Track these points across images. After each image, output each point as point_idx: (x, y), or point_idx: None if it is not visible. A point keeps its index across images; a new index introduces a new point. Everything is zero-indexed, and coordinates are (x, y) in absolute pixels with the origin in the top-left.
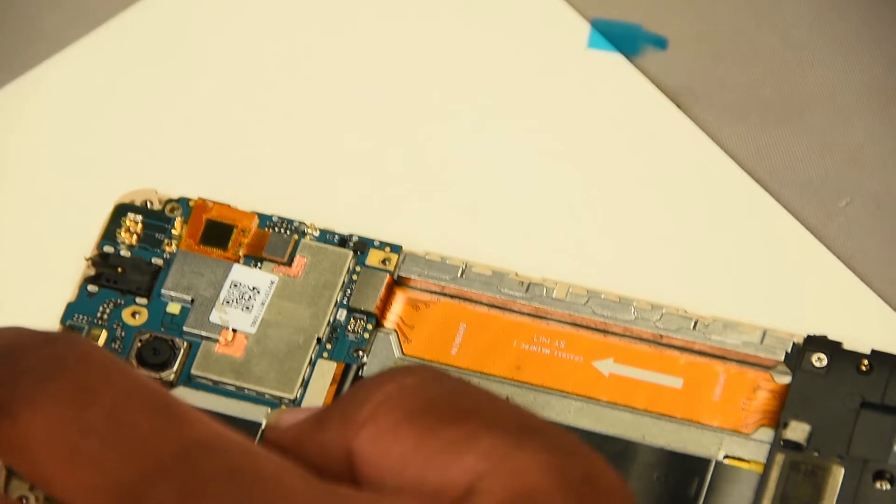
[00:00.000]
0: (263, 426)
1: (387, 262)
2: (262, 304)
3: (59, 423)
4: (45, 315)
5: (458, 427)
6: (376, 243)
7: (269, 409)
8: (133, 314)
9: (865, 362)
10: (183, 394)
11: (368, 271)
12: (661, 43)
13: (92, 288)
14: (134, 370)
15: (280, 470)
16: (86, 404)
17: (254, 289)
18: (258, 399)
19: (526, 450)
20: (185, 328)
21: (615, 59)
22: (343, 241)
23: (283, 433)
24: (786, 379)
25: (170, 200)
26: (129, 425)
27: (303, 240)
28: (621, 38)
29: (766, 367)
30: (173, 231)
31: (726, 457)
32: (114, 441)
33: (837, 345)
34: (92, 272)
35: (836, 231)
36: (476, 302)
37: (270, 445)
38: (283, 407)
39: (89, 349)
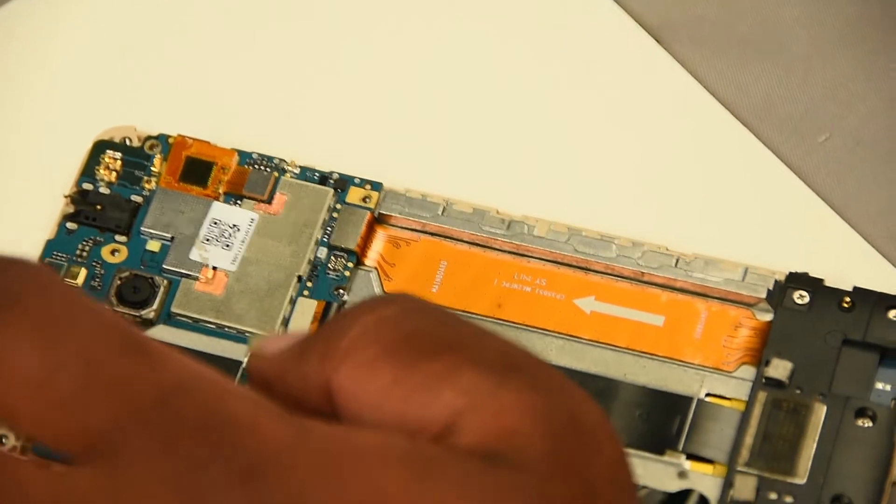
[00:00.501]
0: (247, 353)
1: (367, 200)
2: (243, 241)
3: (24, 356)
4: (24, 252)
5: (437, 360)
6: (357, 181)
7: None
8: (112, 252)
9: (847, 299)
10: (163, 332)
11: (349, 209)
12: None
13: (71, 225)
14: (99, 304)
15: (257, 412)
16: (53, 340)
17: (234, 226)
18: (239, 337)
19: (508, 388)
20: (164, 266)
21: None
22: (323, 179)
23: (266, 363)
24: (768, 316)
25: (149, 137)
26: (101, 365)
27: (283, 177)
28: None
29: (748, 304)
30: (153, 168)
31: (708, 395)
32: (85, 382)
33: (819, 282)
34: (71, 209)
35: (815, 167)
36: (457, 240)
37: (254, 375)
38: (268, 332)
39: (50, 279)
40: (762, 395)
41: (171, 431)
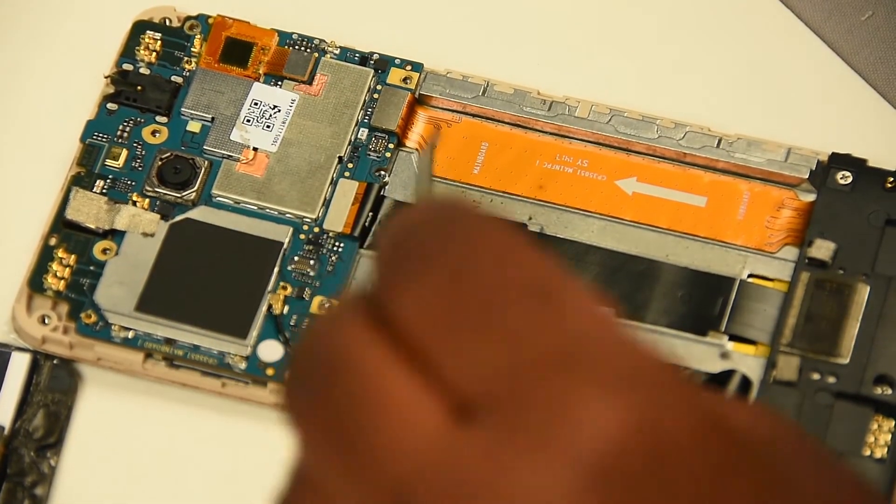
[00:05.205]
0: None
1: (408, 81)
2: (283, 122)
3: (430, 305)
4: (65, 133)
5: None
6: (397, 61)
7: (291, 229)
8: (153, 132)
9: (891, 179)
10: (204, 213)
11: (389, 90)
12: None
13: (111, 106)
14: (519, 241)
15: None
16: (460, 287)
17: (274, 107)
18: (279, 219)
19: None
20: (205, 147)
21: None
22: (364, 60)
23: None
24: (810, 197)
25: (188, 17)
26: (502, 310)
27: (323, 58)
28: None
29: (791, 185)
30: (192, 49)
31: (751, 275)
32: (485, 326)
33: (862, 162)
34: (111, 90)
35: (857, 46)
36: (498, 121)
37: None
38: (309, 213)
39: (475, 224)
40: (805, 276)
41: (577, 376)
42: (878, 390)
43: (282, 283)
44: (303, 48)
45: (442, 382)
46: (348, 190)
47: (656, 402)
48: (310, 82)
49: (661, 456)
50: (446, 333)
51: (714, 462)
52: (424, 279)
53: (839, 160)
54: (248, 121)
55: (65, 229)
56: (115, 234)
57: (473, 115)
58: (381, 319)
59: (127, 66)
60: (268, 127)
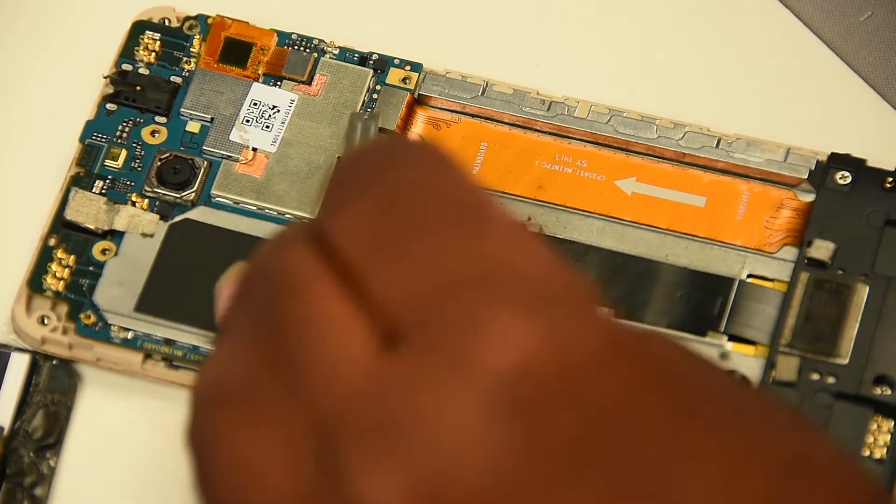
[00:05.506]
0: None
1: (407, 81)
2: (282, 122)
3: (362, 229)
4: (64, 134)
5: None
6: (396, 62)
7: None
8: (152, 133)
9: (890, 179)
10: (203, 214)
11: (388, 90)
12: None
13: (111, 106)
14: (452, 167)
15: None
16: (390, 211)
17: (273, 107)
18: (279, 219)
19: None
20: (204, 147)
21: None
22: (363, 60)
23: None
24: (810, 197)
25: (188, 17)
26: (428, 233)
27: (322, 58)
28: None
29: (790, 185)
30: (192, 49)
31: (750, 276)
32: (410, 249)
33: (861, 162)
34: (110, 90)
35: (856, 46)
36: (497, 121)
37: None
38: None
39: (410, 152)
40: (804, 276)
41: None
42: (878, 390)
43: None
44: (302, 48)
45: (372, 307)
46: None
47: (567, 320)
48: (309, 82)
49: (570, 371)
50: (375, 257)
51: (624, 377)
52: (358, 204)
53: (838, 160)
54: (248, 121)
55: (64, 230)
56: (115, 235)
57: (472, 116)
58: (324, 245)
59: (126, 67)
60: (267, 127)
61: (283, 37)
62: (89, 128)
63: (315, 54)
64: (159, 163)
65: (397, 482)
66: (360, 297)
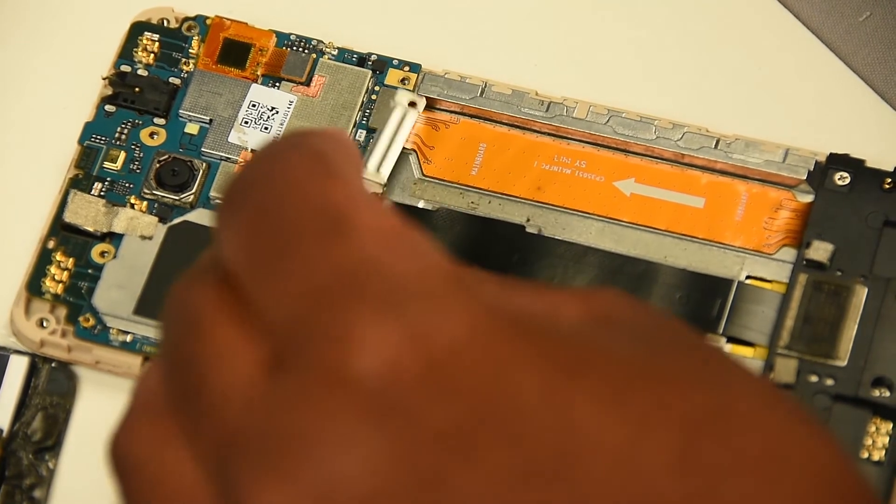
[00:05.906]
0: None
1: (406, 82)
2: (281, 124)
3: (240, 246)
4: (62, 135)
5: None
6: (395, 62)
7: None
8: (151, 134)
9: (888, 180)
10: (202, 216)
11: (387, 91)
12: None
13: (109, 108)
14: (318, 170)
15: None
16: (262, 223)
17: (272, 109)
18: None
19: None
20: (203, 149)
21: None
22: (362, 61)
23: None
24: (808, 198)
25: (186, 19)
26: (297, 242)
27: (321, 59)
28: None
29: (789, 186)
30: (190, 50)
31: (748, 277)
32: (282, 261)
33: (860, 163)
34: (109, 92)
35: (855, 46)
36: (496, 122)
37: None
38: None
39: (280, 158)
40: (803, 278)
41: (352, 302)
42: (876, 393)
43: None
44: (301, 49)
45: (262, 328)
46: None
47: (429, 311)
48: (308, 83)
49: (438, 364)
50: (255, 276)
51: (501, 356)
52: (234, 222)
53: (837, 161)
54: (246, 122)
55: (63, 232)
56: (114, 237)
57: (471, 116)
58: (220, 272)
59: (125, 68)
60: (266, 128)
61: (282, 38)
62: (88, 130)
63: (314, 55)
64: (158, 165)
65: (285, 499)
66: (250, 321)
